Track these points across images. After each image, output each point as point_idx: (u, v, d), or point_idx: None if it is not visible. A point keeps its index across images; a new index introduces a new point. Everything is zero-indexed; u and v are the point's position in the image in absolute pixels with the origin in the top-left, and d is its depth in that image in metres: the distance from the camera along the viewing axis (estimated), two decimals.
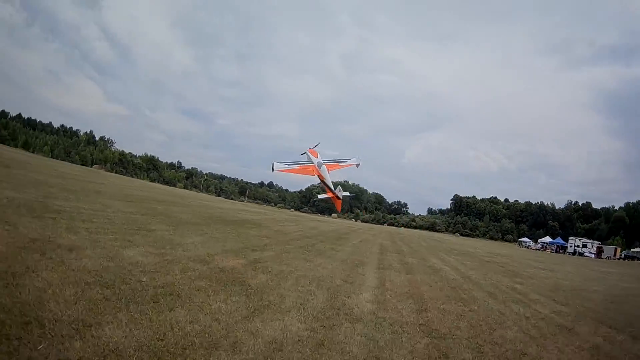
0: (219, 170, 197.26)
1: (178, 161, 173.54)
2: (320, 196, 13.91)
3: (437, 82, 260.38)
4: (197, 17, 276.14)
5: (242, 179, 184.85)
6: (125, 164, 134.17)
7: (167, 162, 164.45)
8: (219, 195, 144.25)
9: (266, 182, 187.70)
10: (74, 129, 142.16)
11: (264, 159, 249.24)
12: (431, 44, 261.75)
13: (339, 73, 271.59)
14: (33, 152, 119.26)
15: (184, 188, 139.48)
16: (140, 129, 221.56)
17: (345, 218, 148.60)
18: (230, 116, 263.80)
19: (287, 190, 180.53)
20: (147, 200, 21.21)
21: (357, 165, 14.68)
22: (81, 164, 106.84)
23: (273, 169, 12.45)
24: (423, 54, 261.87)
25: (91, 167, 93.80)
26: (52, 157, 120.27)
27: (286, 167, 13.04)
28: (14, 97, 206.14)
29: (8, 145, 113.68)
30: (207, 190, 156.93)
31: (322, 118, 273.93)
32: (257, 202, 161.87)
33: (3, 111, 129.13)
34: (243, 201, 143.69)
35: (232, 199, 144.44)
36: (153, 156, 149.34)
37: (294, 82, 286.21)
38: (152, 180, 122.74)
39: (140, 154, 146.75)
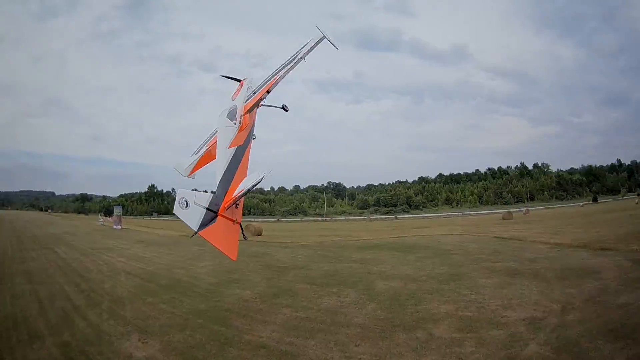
0: None
1: (617, 159, 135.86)
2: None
3: None
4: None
5: None
6: (564, 185, 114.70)
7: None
8: None
9: None
10: (503, 167, 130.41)
11: None
12: None
13: None
14: (457, 205, 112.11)
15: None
16: (569, 142, 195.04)
17: None
18: None
19: None
20: None
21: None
22: (504, 203, 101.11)
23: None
24: None
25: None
26: (480, 203, 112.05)
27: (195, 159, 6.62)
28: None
29: (421, 208, 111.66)
30: None
31: None
32: None
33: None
34: None
35: None
36: (591, 166, 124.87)
37: None
38: (596, 194, 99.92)
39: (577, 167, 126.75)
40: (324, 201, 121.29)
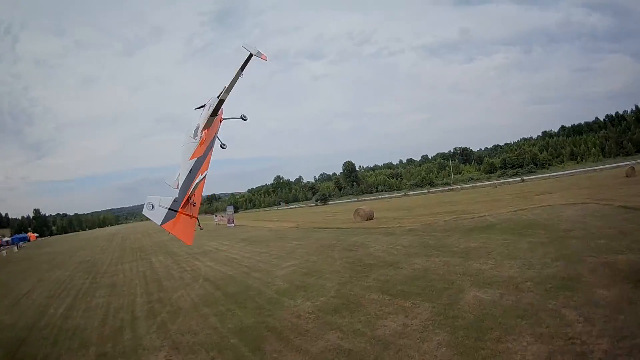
0: None
1: None
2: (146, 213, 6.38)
3: None
4: None
5: None
6: None
7: None
8: None
9: None
10: (620, 112, 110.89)
11: None
12: None
13: None
14: (581, 160, 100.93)
15: None
16: None
17: None
18: None
19: None
20: None
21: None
22: (626, 154, 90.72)
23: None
24: None
25: None
26: (602, 156, 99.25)
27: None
28: None
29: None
30: None
31: None
32: None
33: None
34: None
35: None
36: None
37: None
38: None
39: None
40: (450, 169, 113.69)
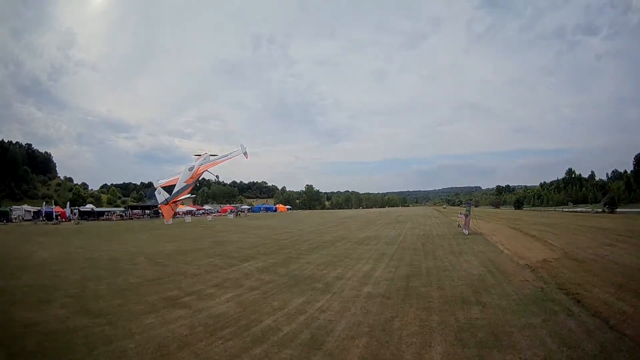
0: None
1: None
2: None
3: None
4: None
5: None
6: None
7: None
8: None
9: None
10: None
11: None
12: None
13: None
14: None
15: None
16: None
17: None
18: None
19: None
20: None
21: (245, 154, 12.38)
22: None
23: (155, 188, 12.77)
24: None
25: None
26: None
27: (165, 180, 13.33)
28: None
29: None
30: None
31: None
32: None
33: None
34: None
35: None
36: None
37: None
38: None
39: None
40: None
